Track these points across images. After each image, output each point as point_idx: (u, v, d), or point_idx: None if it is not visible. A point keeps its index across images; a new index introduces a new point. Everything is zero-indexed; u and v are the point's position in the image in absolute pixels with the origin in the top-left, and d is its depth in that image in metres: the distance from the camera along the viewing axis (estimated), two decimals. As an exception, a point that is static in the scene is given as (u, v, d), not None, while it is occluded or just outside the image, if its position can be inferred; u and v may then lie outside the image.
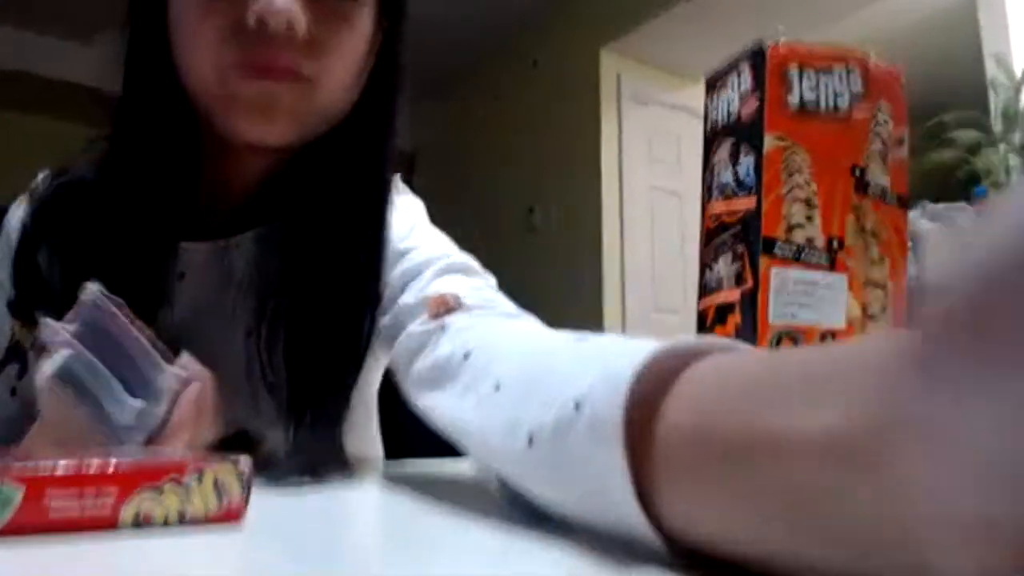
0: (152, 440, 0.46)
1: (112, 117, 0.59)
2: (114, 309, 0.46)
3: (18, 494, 0.28)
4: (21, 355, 0.60)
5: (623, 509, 0.25)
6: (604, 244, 3.28)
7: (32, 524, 0.28)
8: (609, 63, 3.41)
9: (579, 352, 0.32)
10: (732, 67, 0.60)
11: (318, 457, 0.50)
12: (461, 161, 4.21)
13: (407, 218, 0.65)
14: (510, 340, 0.40)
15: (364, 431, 0.75)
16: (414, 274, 0.57)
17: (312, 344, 0.57)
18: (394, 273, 0.59)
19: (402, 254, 0.60)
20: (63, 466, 0.29)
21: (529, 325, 0.48)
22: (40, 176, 0.66)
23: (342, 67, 0.57)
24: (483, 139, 4.06)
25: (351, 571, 0.27)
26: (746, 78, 0.58)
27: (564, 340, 0.37)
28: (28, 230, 0.61)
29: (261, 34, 0.51)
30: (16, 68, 3.69)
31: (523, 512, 0.34)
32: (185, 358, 0.50)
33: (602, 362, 0.29)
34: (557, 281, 3.45)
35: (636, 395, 0.26)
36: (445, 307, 0.51)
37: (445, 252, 0.60)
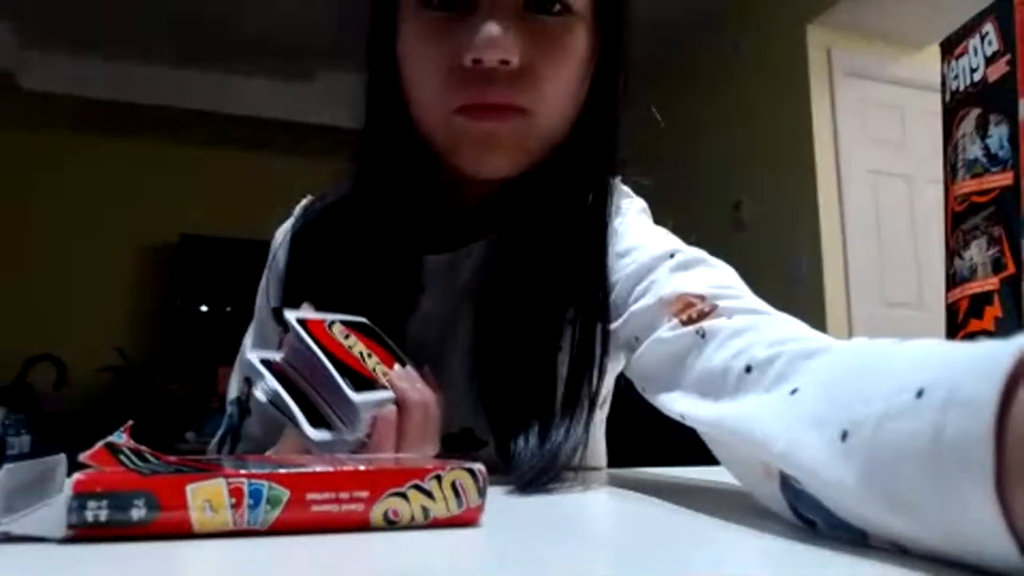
0: None
1: (354, 150, 0.64)
2: (305, 337, 0.48)
3: (285, 495, 0.31)
4: None
5: (974, 500, 0.22)
6: (823, 236, 3.05)
7: (296, 521, 0.31)
8: (817, 37, 3.18)
9: (899, 350, 0.30)
10: (973, 27, 0.53)
11: (533, 470, 0.49)
12: (658, 158, 4.14)
13: (626, 219, 0.64)
14: (796, 347, 0.37)
15: (592, 438, 0.74)
16: (642, 275, 0.55)
17: (523, 355, 0.57)
18: (619, 275, 0.57)
19: (622, 255, 0.59)
20: (321, 470, 0.32)
21: (803, 329, 0.43)
22: (301, 203, 0.74)
23: (558, 92, 0.57)
24: (682, 132, 3.96)
25: (598, 571, 0.27)
26: (992, 37, 0.51)
27: (862, 344, 0.34)
28: (290, 256, 0.68)
29: (478, 71, 0.53)
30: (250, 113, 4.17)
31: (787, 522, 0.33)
32: (407, 373, 0.51)
33: (942, 356, 0.26)
34: (771, 280, 3.25)
35: (1011, 381, 0.22)
36: (694, 309, 0.47)
37: (672, 247, 0.56)
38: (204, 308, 4.30)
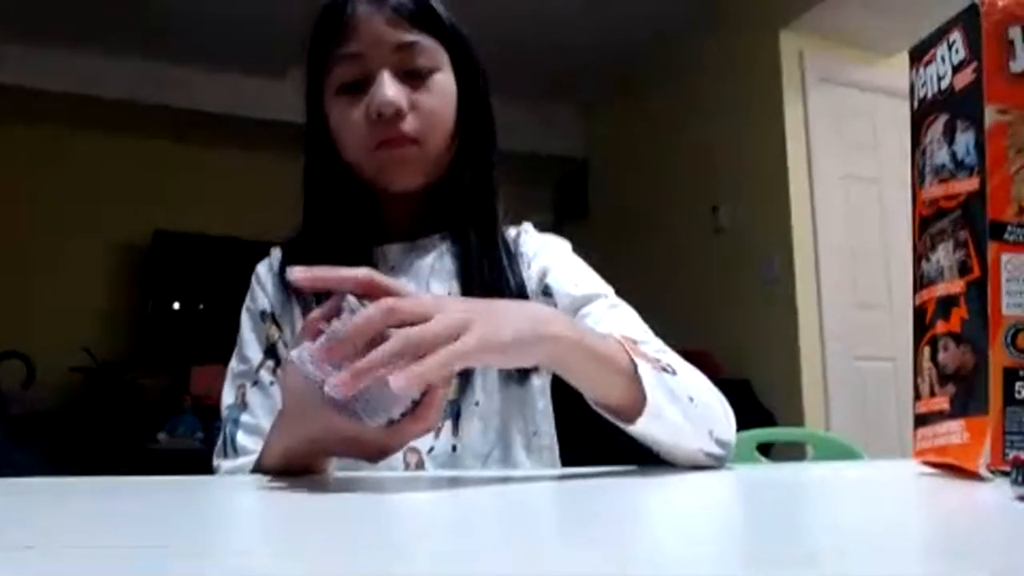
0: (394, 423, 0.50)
1: (303, 184, 0.86)
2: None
3: None
4: (275, 352, 0.82)
5: None
6: (795, 239, 3.09)
7: None
8: (790, 42, 3.21)
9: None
10: (941, 35, 0.55)
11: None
12: (636, 165, 4.16)
13: (559, 248, 0.90)
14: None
15: (550, 440, 0.85)
16: (587, 300, 0.81)
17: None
18: (572, 292, 0.82)
19: (561, 269, 0.85)
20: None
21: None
22: (273, 249, 0.90)
23: (438, 123, 0.81)
24: (658, 137, 3.98)
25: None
26: (959, 46, 0.53)
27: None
28: (282, 265, 0.86)
29: (383, 121, 0.78)
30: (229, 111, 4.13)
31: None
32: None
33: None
34: (749, 283, 3.30)
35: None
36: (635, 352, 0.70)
37: (604, 289, 0.84)
38: (177, 306, 4.25)
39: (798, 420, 2.93)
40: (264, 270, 0.88)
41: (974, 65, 0.51)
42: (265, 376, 0.80)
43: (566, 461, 0.84)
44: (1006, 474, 0.46)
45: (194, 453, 3.24)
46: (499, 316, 0.54)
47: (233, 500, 0.50)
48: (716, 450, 0.65)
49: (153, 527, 0.36)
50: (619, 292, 0.85)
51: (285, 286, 0.83)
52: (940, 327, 0.52)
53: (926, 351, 0.53)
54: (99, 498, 0.49)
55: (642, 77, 4.08)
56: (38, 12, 3.54)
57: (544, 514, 0.43)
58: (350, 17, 0.79)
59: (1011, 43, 0.51)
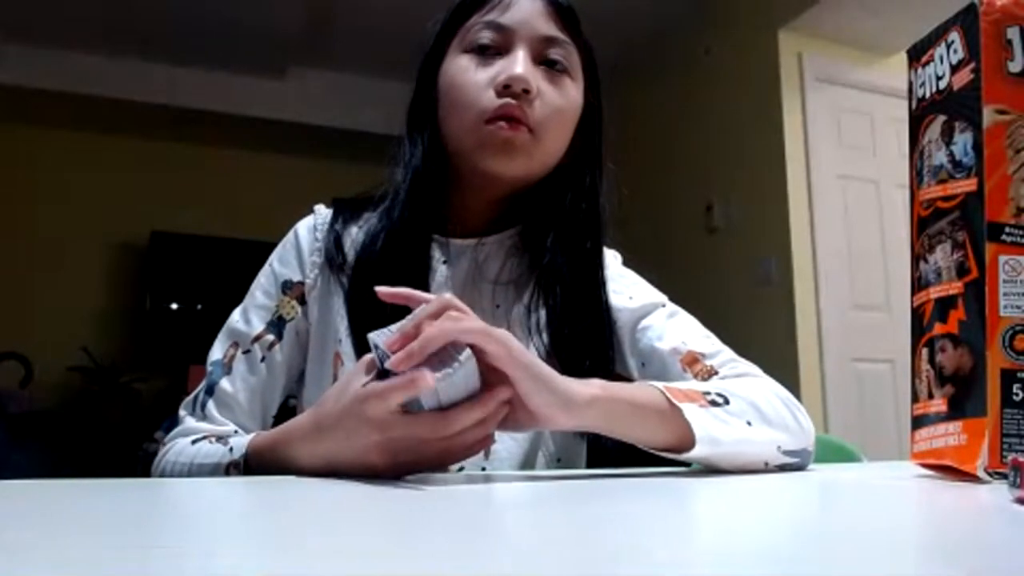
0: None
1: (399, 151, 0.82)
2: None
3: None
4: (280, 329, 0.79)
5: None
6: (793, 240, 3.09)
7: None
8: (789, 42, 3.21)
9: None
10: (939, 35, 0.55)
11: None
12: (630, 160, 4.14)
13: (614, 261, 0.87)
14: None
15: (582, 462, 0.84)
16: (645, 311, 0.80)
17: (566, 322, 0.78)
18: (628, 306, 0.80)
19: (617, 281, 0.83)
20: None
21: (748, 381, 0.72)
22: (318, 206, 0.86)
23: (558, 122, 0.78)
24: (654, 135, 3.98)
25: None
26: (957, 46, 0.53)
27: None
28: (332, 223, 0.82)
29: (507, 94, 0.74)
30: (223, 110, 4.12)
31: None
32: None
33: None
34: (742, 283, 3.30)
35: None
36: (700, 366, 0.74)
37: (661, 298, 0.82)
38: (175, 306, 4.25)
39: (796, 421, 2.92)
40: (306, 232, 0.83)
41: (972, 65, 0.51)
42: (258, 351, 0.77)
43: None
44: (1004, 476, 0.46)
45: (192, 453, 3.23)
46: (543, 365, 0.56)
47: (233, 501, 0.50)
48: (786, 460, 0.65)
49: (152, 528, 0.35)
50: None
51: (331, 253, 0.79)
52: (938, 329, 0.52)
53: (924, 353, 0.53)
54: (99, 499, 0.48)
55: (639, 76, 4.07)
56: (38, 12, 3.53)
57: (541, 516, 0.43)
58: None
59: (1009, 43, 0.50)
